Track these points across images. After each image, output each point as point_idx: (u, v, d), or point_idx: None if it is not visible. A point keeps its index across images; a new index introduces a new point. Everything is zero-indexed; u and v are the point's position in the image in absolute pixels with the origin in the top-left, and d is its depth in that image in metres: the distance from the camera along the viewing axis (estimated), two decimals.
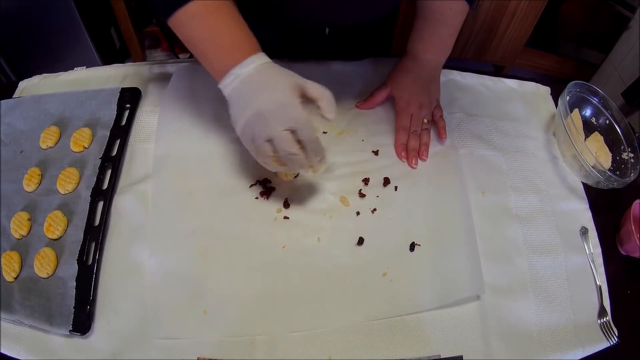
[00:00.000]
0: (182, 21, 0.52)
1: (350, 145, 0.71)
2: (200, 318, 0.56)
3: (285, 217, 0.64)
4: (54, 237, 0.60)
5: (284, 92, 0.50)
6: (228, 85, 0.51)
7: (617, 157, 0.74)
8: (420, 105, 0.73)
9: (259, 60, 0.51)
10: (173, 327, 0.55)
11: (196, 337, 0.55)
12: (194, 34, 0.53)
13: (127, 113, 0.72)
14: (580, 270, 0.64)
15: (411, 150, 0.70)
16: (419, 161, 0.70)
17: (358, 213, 0.65)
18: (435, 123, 0.74)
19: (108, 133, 0.68)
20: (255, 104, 0.50)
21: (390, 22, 0.89)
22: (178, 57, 1.97)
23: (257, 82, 0.51)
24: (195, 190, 0.65)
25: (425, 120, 0.72)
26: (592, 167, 0.68)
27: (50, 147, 0.68)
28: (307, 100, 0.53)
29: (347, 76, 0.80)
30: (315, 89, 0.52)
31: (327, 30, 0.78)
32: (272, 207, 0.65)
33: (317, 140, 0.52)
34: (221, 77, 0.52)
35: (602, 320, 0.60)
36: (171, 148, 0.68)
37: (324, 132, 0.72)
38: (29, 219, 0.62)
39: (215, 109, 0.71)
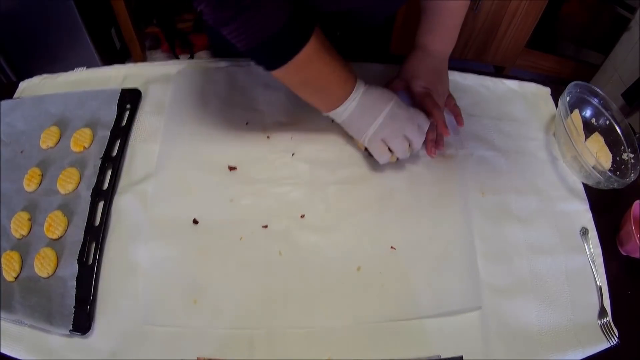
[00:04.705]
0: (298, 65, 0.54)
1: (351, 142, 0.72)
2: (190, 307, 0.56)
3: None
4: (54, 237, 0.60)
5: (399, 101, 0.63)
6: (344, 111, 0.61)
7: (618, 158, 0.74)
8: (437, 94, 0.72)
9: (362, 86, 0.61)
10: (162, 314, 0.56)
11: (184, 327, 0.55)
12: (312, 74, 0.57)
13: (127, 114, 0.72)
14: (581, 270, 0.64)
15: (429, 140, 0.70)
16: (418, 162, 0.70)
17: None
18: (451, 111, 0.74)
19: (108, 133, 0.68)
20: (382, 114, 0.61)
21: (389, 21, 0.90)
22: (178, 58, 1.97)
23: (372, 100, 0.61)
24: (195, 186, 0.65)
25: None
26: (593, 167, 0.68)
27: (51, 147, 0.68)
28: None
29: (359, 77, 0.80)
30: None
31: (337, 33, 0.78)
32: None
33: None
34: (334, 107, 0.60)
35: (602, 321, 0.60)
36: (176, 145, 0.69)
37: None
38: (29, 219, 0.62)
39: (220, 108, 0.72)
